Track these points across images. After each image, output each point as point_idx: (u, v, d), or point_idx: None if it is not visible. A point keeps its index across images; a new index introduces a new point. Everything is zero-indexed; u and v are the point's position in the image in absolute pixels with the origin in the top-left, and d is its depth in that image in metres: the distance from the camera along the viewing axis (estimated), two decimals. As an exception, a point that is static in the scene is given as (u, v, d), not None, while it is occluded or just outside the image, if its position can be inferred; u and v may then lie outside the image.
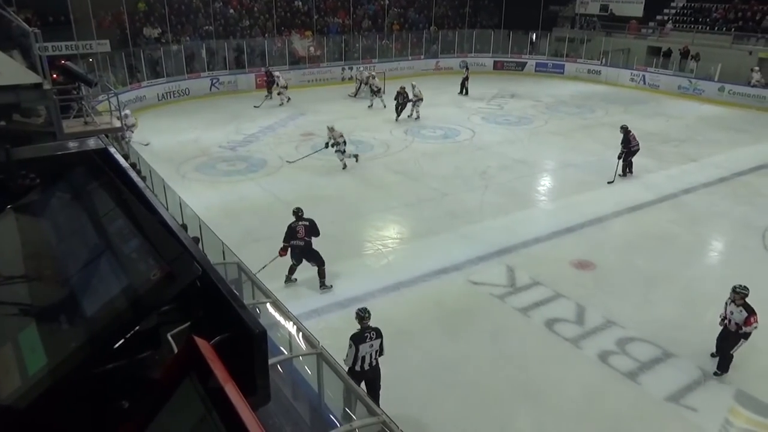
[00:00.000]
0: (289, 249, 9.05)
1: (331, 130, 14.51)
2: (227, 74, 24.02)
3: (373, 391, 6.44)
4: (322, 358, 5.07)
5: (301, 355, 5.58)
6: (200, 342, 1.14)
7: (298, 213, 9.16)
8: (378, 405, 6.16)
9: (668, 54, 26.05)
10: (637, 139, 14.36)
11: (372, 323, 6.40)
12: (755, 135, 18.82)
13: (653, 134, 18.52)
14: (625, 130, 14.30)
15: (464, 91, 24.46)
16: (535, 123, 20.08)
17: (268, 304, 6.25)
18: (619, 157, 14.25)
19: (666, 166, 15.48)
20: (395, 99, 19.49)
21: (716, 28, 26.38)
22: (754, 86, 22.79)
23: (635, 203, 12.98)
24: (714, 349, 7.58)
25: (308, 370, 5.56)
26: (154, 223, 1.63)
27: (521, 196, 13.56)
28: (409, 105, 19.46)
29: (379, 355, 6.40)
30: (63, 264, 1.65)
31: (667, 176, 14.74)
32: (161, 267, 1.34)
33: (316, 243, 9.17)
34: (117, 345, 1.30)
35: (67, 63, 10.14)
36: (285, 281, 9.19)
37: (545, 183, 14.88)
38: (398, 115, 19.46)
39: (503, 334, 8.27)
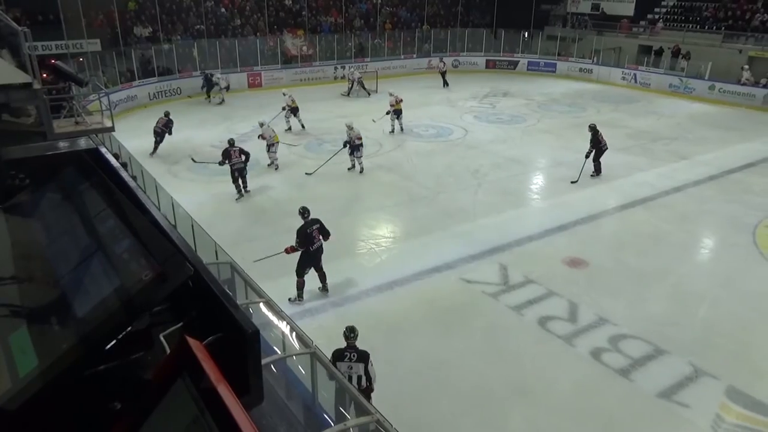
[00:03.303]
0: (306, 256, 8.51)
1: (349, 128, 14.01)
2: (219, 73, 23.90)
3: None
4: (315, 357, 5.07)
5: (295, 355, 5.57)
6: (193, 342, 1.14)
7: (304, 214, 8.62)
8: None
9: (659, 53, 26.21)
10: (604, 138, 14.24)
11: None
12: (745, 133, 18.96)
13: (644, 132, 18.65)
14: (593, 130, 14.15)
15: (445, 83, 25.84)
16: (527, 121, 20.15)
17: (261, 304, 6.23)
18: (587, 156, 14.16)
19: (657, 165, 15.57)
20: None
21: (706, 26, 26.55)
22: (744, 84, 22.95)
23: (626, 201, 13.06)
24: None
25: (302, 370, 5.55)
26: (146, 223, 1.63)
27: (514, 195, 13.60)
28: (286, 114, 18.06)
29: (368, 382, 5.98)
30: (54, 265, 1.64)
31: (658, 174, 14.82)
32: (153, 267, 1.34)
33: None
34: (109, 346, 1.29)
35: (58, 62, 10.08)
36: (298, 298, 8.68)
37: (538, 181, 14.93)
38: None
39: (496, 332, 8.30)
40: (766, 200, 13.06)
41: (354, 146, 14.01)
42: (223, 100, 22.13)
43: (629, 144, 17.28)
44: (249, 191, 13.10)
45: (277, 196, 12.82)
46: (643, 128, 19.18)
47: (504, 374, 7.39)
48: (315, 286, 9.01)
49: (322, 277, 8.92)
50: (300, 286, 8.69)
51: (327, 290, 8.99)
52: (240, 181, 12.84)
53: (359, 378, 5.93)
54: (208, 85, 22.15)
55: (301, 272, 8.65)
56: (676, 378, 7.29)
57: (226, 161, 12.74)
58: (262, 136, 14.55)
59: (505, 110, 21.69)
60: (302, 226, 8.56)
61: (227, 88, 22.43)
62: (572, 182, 14.09)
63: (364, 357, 5.97)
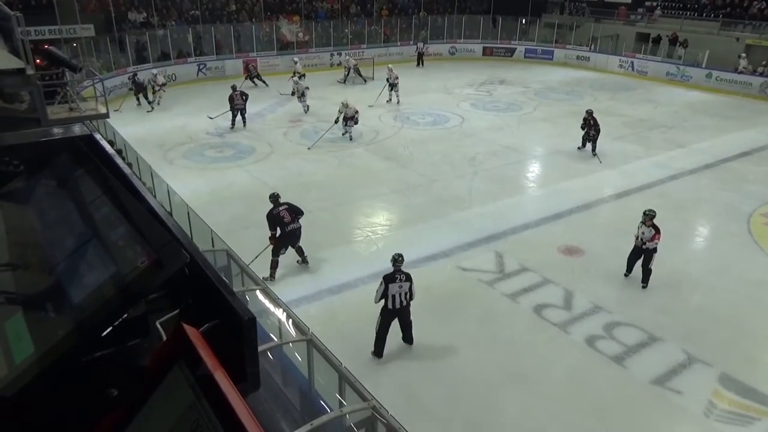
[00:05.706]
0: (282, 237, 8.76)
1: (344, 105, 15.58)
2: (214, 60, 23.74)
3: (405, 327, 7.19)
4: (312, 344, 5.09)
5: (291, 342, 5.60)
6: (189, 329, 1.13)
7: (275, 198, 8.94)
8: (411, 340, 7.26)
9: (657, 40, 26.12)
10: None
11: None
12: (741, 121, 18.97)
13: (641, 120, 18.64)
14: (591, 114, 15.03)
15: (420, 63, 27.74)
16: (523, 109, 20.10)
17: (257, 291, 6.25)
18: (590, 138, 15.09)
19: (654, 153, 15.58)
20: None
21: (704, 14, 26.45)
22: (741, 73, 22.93)
23: (622, 189, 13.08)
24: (626, 270, 9.22)
25: (298, 357, 5.58)
26: (142, 210, 1.62)
27: (510, 183, 13.60)
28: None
29: (410, 299, 7.06)
30: (49, 252, 1.63)
31: (655, 162, 14.84)
32: (149, 254, 1.33)
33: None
34: (105, 333, 1.29)
35: (51, 48, 9.96)
36: (270, 278, 8.75)
37: (534, 169, 14.92)
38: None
39: (492, 319, 8.34)
40: (761, 189, 13.12)
41: (348, 118, 15.84)
42: (158, 102, 19.29)
43: (626, 132, 17.28)
44: (246, 127, 16.75)
45: (273, 183, 12.77)
46: (640, 116, 19.16)
47: (499, 361, 7.43)
48: (305, 275, 9.05)
49: (299, 251, 9.20)
50: (273, 265, 8.91)
51: (307, 263, 9.30)
52: (237, 117, 16.64)
53: (406, 294, 7.03)
54: (137, 87, 19.35)
55: (276, 252, 8.88)
56: (669, 365, 7.36)
57: (231, 104, 16.32)
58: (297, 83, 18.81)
59: (501, 98, 21.62)
60: (269, 210, 8.86)
61: (163, 86, 19.60)
62: (579, 148, 15.29)
63: (410, 277, 7.08)
